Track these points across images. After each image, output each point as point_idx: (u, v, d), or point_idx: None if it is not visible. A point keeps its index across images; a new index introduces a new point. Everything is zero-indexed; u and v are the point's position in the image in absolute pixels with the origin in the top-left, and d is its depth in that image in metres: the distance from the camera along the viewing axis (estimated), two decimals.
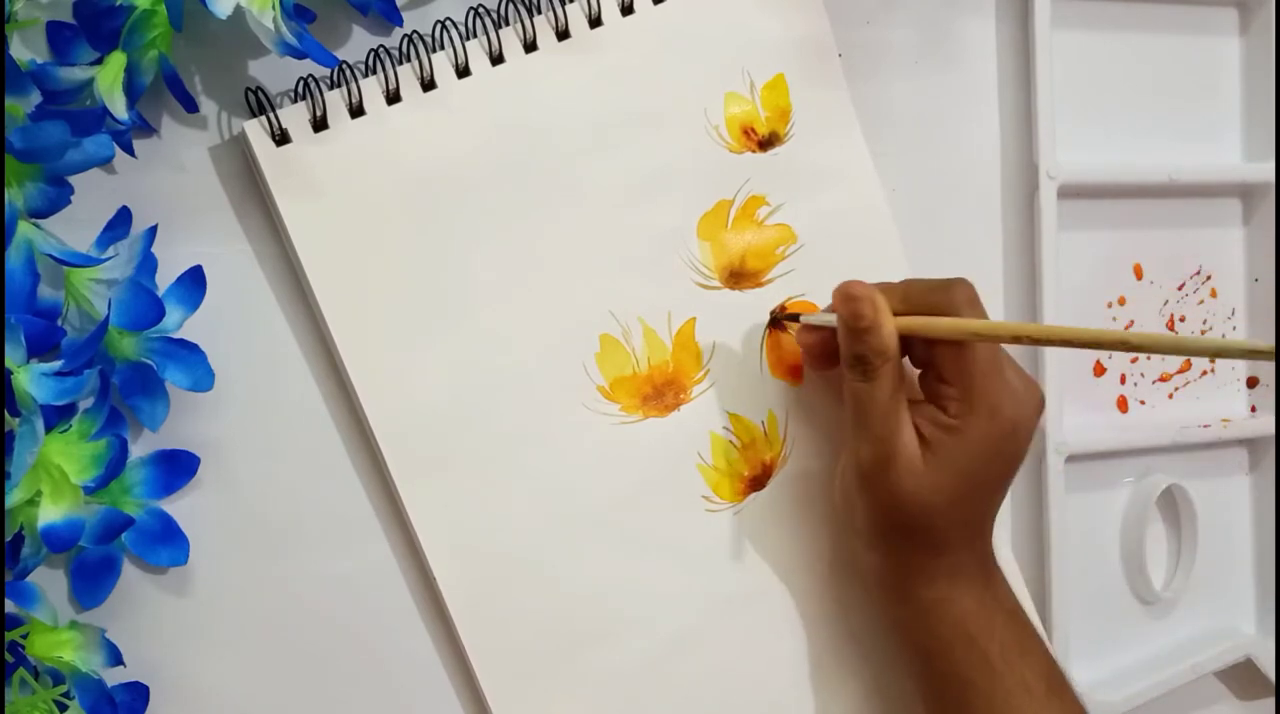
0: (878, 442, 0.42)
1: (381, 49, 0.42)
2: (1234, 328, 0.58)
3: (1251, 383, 0.58)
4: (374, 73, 0.43)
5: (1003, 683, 0.42)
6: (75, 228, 0.40)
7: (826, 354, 0.45)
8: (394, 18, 0.44)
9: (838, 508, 0.46)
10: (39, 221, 0.38)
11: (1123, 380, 0.56)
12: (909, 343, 0.43)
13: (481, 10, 0.44)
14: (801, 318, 0.46)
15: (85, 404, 0.38)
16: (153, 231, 0.40)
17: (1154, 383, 0.57)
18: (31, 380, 0.36)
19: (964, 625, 0.43)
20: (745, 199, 0.48)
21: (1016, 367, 0.43)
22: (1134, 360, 0.56)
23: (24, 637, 0.38)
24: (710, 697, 0.47)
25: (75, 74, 0.38)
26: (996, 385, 0.42)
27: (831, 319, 0.44)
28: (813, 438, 0.49)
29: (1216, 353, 0.37)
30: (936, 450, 0.42)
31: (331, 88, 0.42)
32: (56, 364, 0.37)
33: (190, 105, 0.42)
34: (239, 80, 0.42)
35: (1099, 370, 0.55)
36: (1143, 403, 0.56)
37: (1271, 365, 0.58)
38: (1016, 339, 0.41)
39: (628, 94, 0.46)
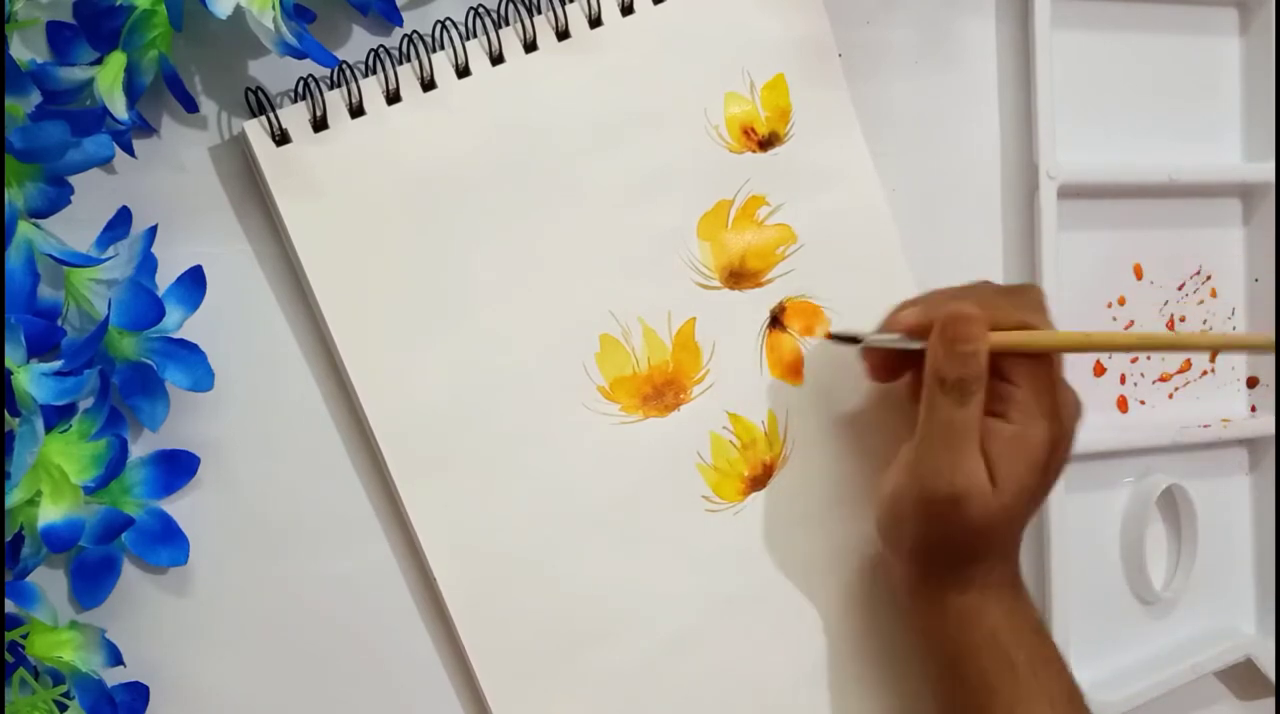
0: (957, 469, 0.41)
1: (381, 49, 0.42)
2: (1234, 328, 0.58)
3: (1251, 383, 0.58)
4: (374, 73, 0.43)
5: (1027, 692, 0.42)
6: (75, 228, 0.40)
7: (891, 368, 0.45)
8: (394, 18, 0.44)
9: (879, 521, 0.45)
10: (39, 221, 0.38)
11: (1123, 380, 0.56)
12: None
13: (481, 10, 0.44)
14: (866, 340, 0.45)
15: (85, 404, 0.38)
16: (153, 231, 0.40)
17: (1154, 383, 0.57)
18: (31, 380, 0.36)
19: (995, 634, 0.43)
20: (745, 199, 0.48)
21: (1064, 375, 0.44)
22: (1134, 360, 0.56)
23: (24, 637, 0.38)
24: (710, 697, 0.47)
25: (75, 74, 0.38)
26: (1061, 391, 0.43)
27: (893, 340, 0.44)
28: (813, 438, 0.49)
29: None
30: (999, 468, 0.41)
31: (331, 88, 0.42)
32: (56, 364, 0.37)
33: (190, 105, 0.42)
34: (239, 80, 0.42)
35: (1099, 370, 0.55)
36: (1143, 403, 0.56)
37: (1272, 365, 0.58)
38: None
39: (628, 94, 0.46)
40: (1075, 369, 0.55)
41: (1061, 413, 0.43)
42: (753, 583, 0.47)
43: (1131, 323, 0.56)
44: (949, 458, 0.41)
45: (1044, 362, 0.42)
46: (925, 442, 0.42)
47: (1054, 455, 0.43)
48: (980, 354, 0.41)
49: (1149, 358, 0.56)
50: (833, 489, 0.49)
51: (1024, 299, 0.44)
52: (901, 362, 0.45)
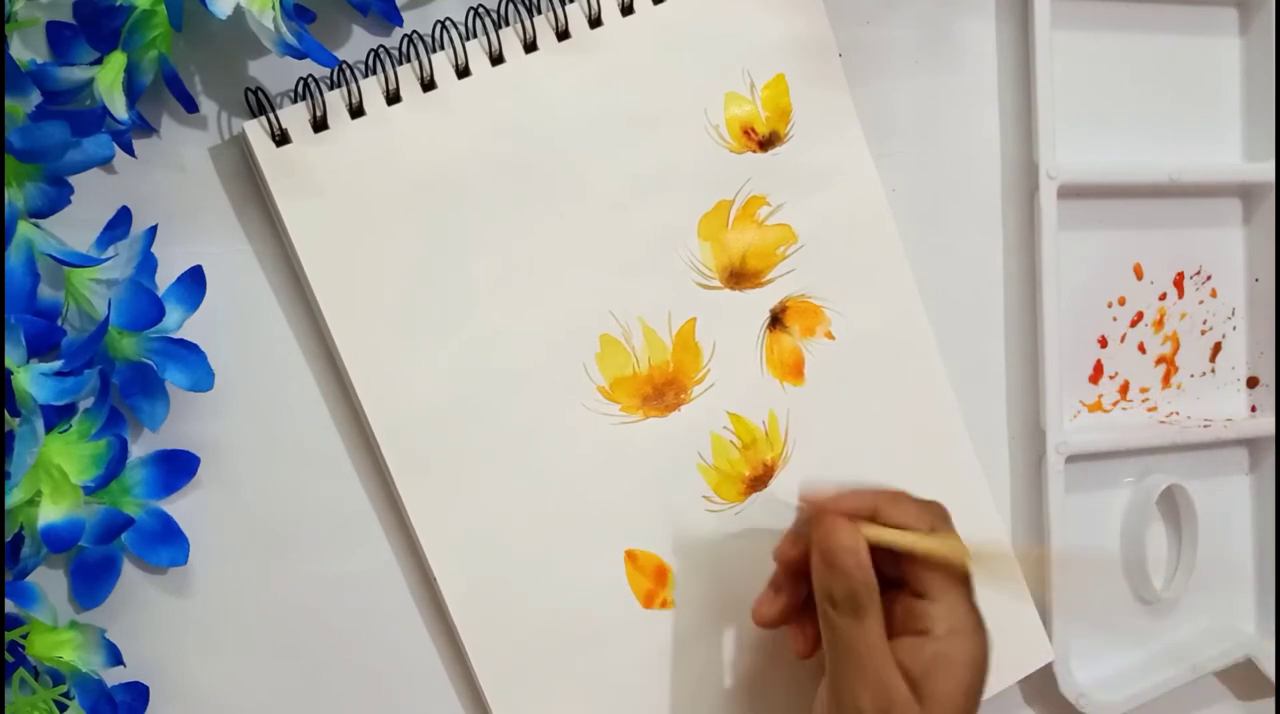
0: (875, 688, 0.38)
1: (381, 49, 0.42)
2: (1234, 328, 0.58)
3: (1251, 383, 0.59)
4: (374, 73, 0.43)
5: None
6: (75, 228, 0.40)
7: (813, 639, 0.42)
8: (394, 18, 0.44)
9: None
10: (39, 221, 0.38)
11: (1124, 383, 0.56)
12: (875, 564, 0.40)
13: (481, 10, 0.44)
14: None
15: (85, 404, 0.38)
16: (153, 231, 0.40)
17: (1154, 383, 0.57)
18: (31, 380, 0.36)
19: None
20: (746, 199, 0.48)
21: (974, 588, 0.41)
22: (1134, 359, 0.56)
23: (24, 637, 0.38)
24: (710, 696, 0.47)
25: (75, 74, 0.38)
26: (976, 604, 0.40)
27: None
28: (814, 438, 0.49)
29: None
30: (923, 687, 0.38)
31: (331, 88, 0.42)
32: (56, 364, 0.37)
33: (190, 105, 0.42)
34: (239, 80, 0.42)
35: (1099, 369, 0.55)
36: (1143, 403, 0.56)
37: (1272, 365, 0.58)
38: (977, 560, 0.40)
39: (628, 94, 0.46)
40: (1076, 369, 0.55)
41: (980, 628, 0.40)
42: (753, 584, 0.47)
43: (1137, 319, 0.56)
44: (862, 677, 0.39)
45: (955, 573, 0.40)
46: (834, 668, 0.40)
47: (983, 661, 0.40)
48: (860, 565, 0.39)
49: (1147, 356, 0.56)
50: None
51: (921, 506, 0.41)
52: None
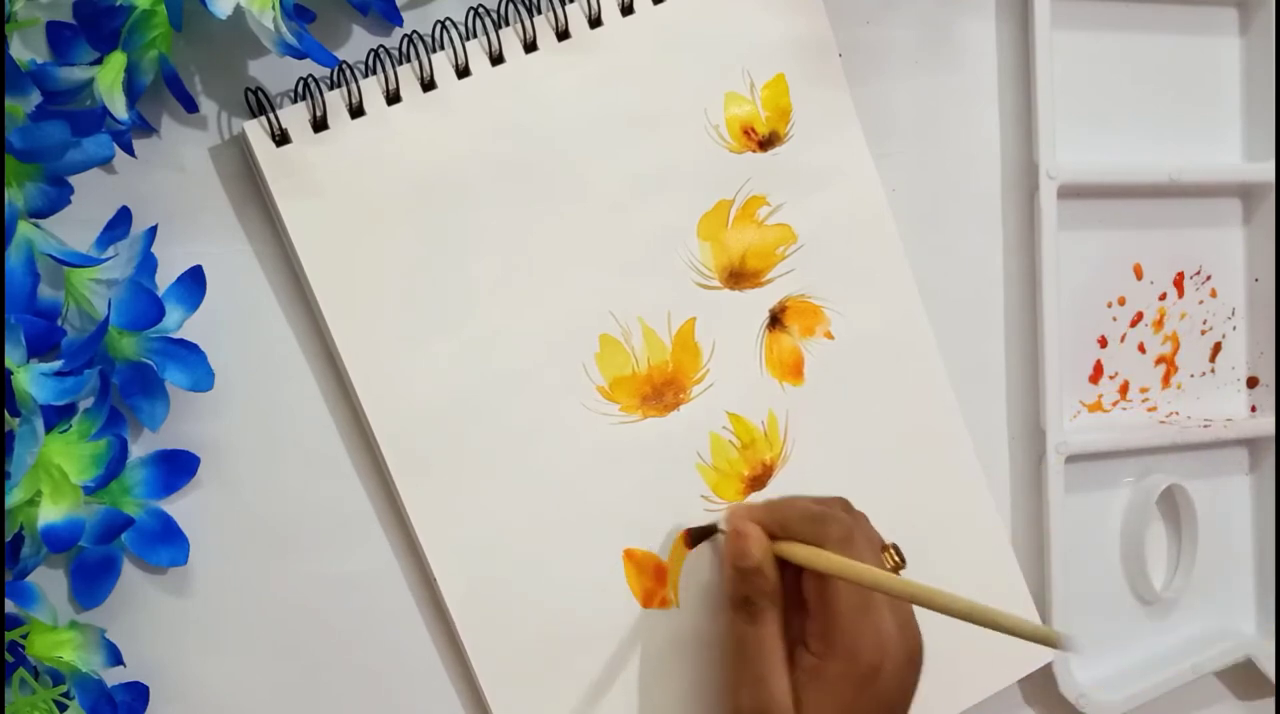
0: (757, 686, 0.41)
1: (381, 49, 0.42)
2: (1234, 328, 0.58)
3: (1251, 383, 0.59)
4: (374, 73, 0.43)
5: None
6: (75, 228, 0.40)
7: None
8: (394, 18, 0.44)
9: None
10: (39, 221, 0.38)
11: (1124, 383, 0.56)
12: (782, 572, 0.42)
13: (481, 10, 0.44)
14: (720, 528, 0.45)
15: (85, 404, 0.38)
16: (153, 232, 0.40)
17: (1154, 383, 0.57)
18: (31, 380, 0.36)
19: None
20: (745, 199, 0.48)
21: (899, 611, 0.42)
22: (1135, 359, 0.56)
23: (24, 637, 0.38)
24: (711, 696, 0.47)
25: (75, 74, 0.38)
26: (859, 626, 0.41)
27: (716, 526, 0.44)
28: (813, 438, 0.49)
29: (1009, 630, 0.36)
30: (802, 697, 0.41)
31: (331, 88, 0.42)
32: (56, 364, 0.37)
33: (190, 105, 0.42)
34: (239, 80, 0.42)
35: (1099, 370, 0.55)
36: (1143, 403, 0.56)
37: (1272, 365, 0.58)
38: (878, 587, 0.40)
39: (628, 94, 0.46)
40: (1076, 369, 0.55)
41: (864, 647, 0.40)
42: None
43: (1137, 319, 0.56)
44: (747, 675, 0.41)
45: (835, 594, 0.41)
46: (728, 660, 0.43)
47: (864, 689, 0.40)
48: (762, 570, 0.42)
49: (1147, 356, 0.56)
50: (833, 489, 0.48)
51: (824, 525, 0.42)
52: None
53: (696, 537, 0.46)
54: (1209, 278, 0.58)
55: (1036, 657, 0.52)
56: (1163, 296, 0.57)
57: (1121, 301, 0.56)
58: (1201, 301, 0.58)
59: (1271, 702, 0.57)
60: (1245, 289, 0.58)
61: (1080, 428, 0.55)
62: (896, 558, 0.44)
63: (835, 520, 0.43)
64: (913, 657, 0.42)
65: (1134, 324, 0.56)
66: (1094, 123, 0.55)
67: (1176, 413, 0.57)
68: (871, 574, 0.40)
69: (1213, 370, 0.58)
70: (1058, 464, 0.52)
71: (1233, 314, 0.58)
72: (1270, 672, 0.56)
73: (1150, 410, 0.57)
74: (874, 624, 0.41)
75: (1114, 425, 0.56)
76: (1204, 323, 0.58)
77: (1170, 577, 0.57)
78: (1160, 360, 0.57)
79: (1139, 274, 0.56)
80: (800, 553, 0.42)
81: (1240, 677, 0.57)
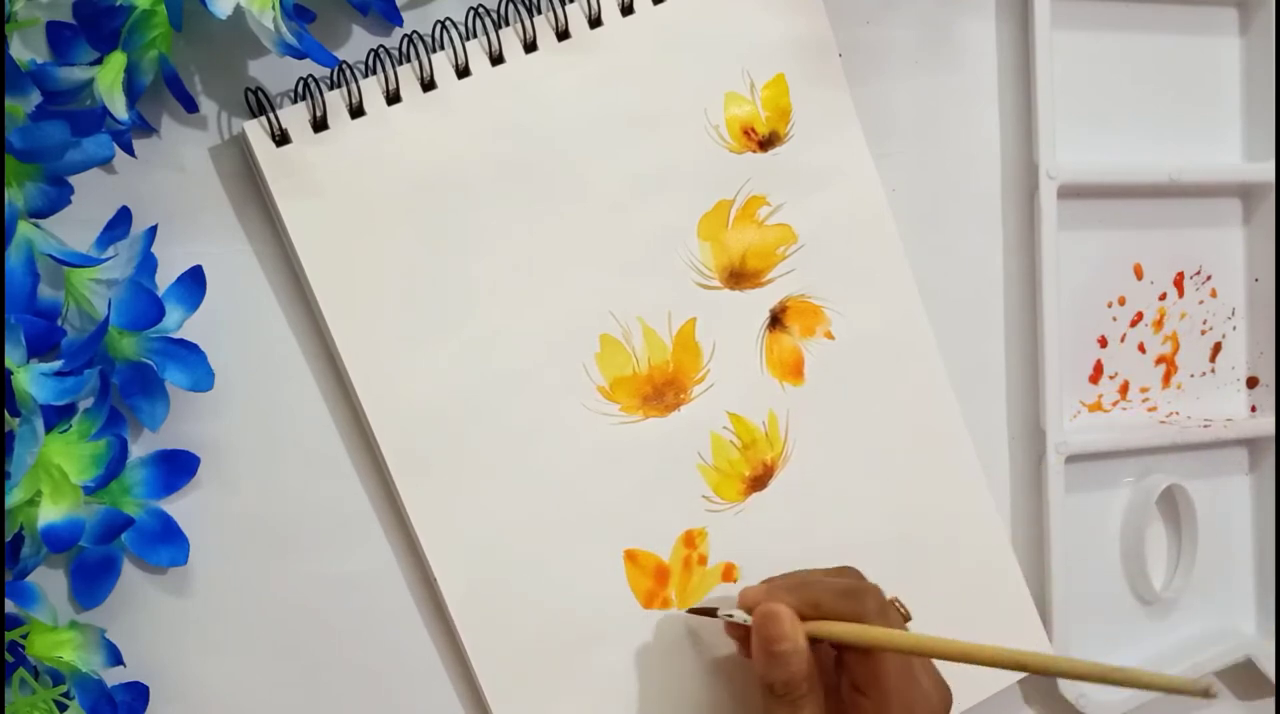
0: None
1: (381, 49, 0.42)
2: (1234, 328, 0.58)
3: (1251, 383, 0.58)
4: (374, 73, 0.43)
5: None
6: (75, 228, 0.40)
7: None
8: (394, 18, 0.44)
9: None
10: (39, 221, 0.38)
11: (1124, 383, 0.56)
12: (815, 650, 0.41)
13: (481, 10, 0.44)
14: (719, 613, 0.44)
15: (85, 404, 0.38)
16: (153, 231, 0.40)
17: (1155, 383, 0.57)
18: (31, 380, 0.36)
19: None
20: (746, 199, 0.48)
21: (929, 669, 0.42)
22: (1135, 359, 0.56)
23: (24, 637, 0.38)
24: (711, 696, 0.47)
25: (75, 74, 0.38)
26: (910, 696, 0.41)
27: (741, 616, 0.43)
28: (814, 438, 0.49)
29: (1146, 686, 0.35)
30: None
31: (331, 88, 0.42)
32: (56, 364, 0.37)
33: (190, 105, 0.42)
34: (239, 80, 0.42)
35: (1099, 370, 0.55)
36: (1143, 403, 0.56)
37: (1272, 365, 0.58)
38: (929, 653, 0.40)
39: (628, 94, 0.46)
40: (1076, 369, 0.55)
41: (918, 711, 0.41)
42: (753, 583, 0.47)
43: (1137, 319, 0.56)
44: None
45: (886, 666, 0.41)
46: None
47: None
48: (797, 652, 0.40)
49: (1147, 355, 0.56)
50: (834, 489, 0.49)
51: (860, 600, 0.41)
52: None
53: (697, 612, 0.46)
54: (1209, 278, 0.58)
55: None
56: (1163, 296, 0.57)
57: (1121, 301, 0.56)
58: (1201, 302, 0.58)
59: (1271, 702, 0.57)
60: (1245, 289, 0.58)
61: (1080, 428, 0.55)
62: (904, 610, 0.44)
63: (869, 592, 0.42)
64: (948, 709, 0.43)
65: (1134, 324, 0.56)
66: (1094, 123, 0.55)
67: (1176, 413, 0.57)
68: (937, 644, 0.39)
69: (1213, 370, 0.58)
70: (1058, 464, 0.52)
71: (1233, 314, 0.58)
72: (1270, 672, 0.56)
73: (1150, 410, 0.57)
74: (921, 691, 0.41)
75: (1114, 425, 0.55)
76: (1204, 323, 0.58)
77: (1170, 577, 0.57)
78: (1160, 360, 0.57)
79: (1139, 274, 0.56)
80: (844, 631, 0.41)
81: (1240, 677, 0.57)
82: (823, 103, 0.49)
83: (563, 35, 0.45)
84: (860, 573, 0.45)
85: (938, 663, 0.44)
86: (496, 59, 0.44)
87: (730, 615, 0.44)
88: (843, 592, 0.42)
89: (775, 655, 0.41)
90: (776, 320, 0.48)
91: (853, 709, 0.42)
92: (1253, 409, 0.59)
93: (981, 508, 0.52)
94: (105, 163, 0.37)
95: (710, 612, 0.45)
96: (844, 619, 0.41)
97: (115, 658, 0.40)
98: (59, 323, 0.40)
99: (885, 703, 0.41)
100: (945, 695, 0.43)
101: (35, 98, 0.37)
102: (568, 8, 0.45)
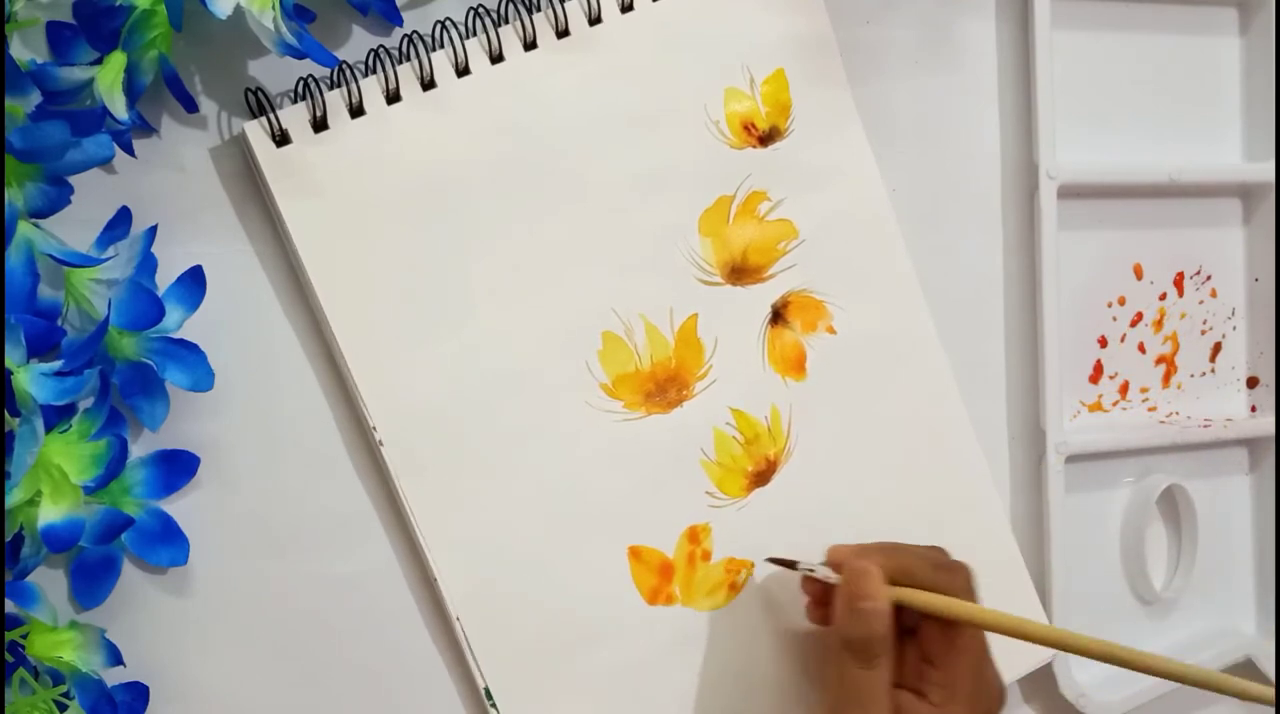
0: None
1: (381, 49, 0.42)
2: (1234, 328, 0.58)
3: (1251, 383, 0.59)
4: (374, 73, 0.43)
5: None
6: (75, 228, 0.40)
7: (828, 606, 0.44)
8: (394, 17, 0.44)
9: None
10: (39, 221, 0.38)
11: (1124, 383, 0.56)
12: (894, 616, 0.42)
13: (481, 9, 0.44)
14: (799, 566, 0.45)
15: (85, 404, 0.38)
16: (153, 231, 0.40)
17: (1155, 383, 0.57)
18: (31, 380, 0.36)
19: None
20: (746, 195, 0.48)
21: (992, 660, 0.43)
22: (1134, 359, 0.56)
23: (24, 637, 0.38)
24: (712, 695, 0.47)
25: (75, 74, 0.38)
26: (983, 675, 0.42)
27: (823, 571, 0.43)
28: (816, 433, 0.49)
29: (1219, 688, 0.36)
30: None
31: (331, 88, 0.42)
32: (56, 364, 0.37)
33: (190, 105, 0.42)
34: (239, 80, 0.42)
35: (1099, 369, 0.55)
36: (1143, 403, 0.56)
37: (1272, 366, 0.58)
38: (1017, 633, 0.40)
39: (628, 91, 0.46)
40: (1076, 369, 0.55)
41: (982, 697, 0.42)
42: (756, 579, 0.47)
43: (1137, 319, 0.56)
44: None
45: (964, 642, 0.41)
46: (836, 704, 0.42)
47: None
48: (880, 613, 0.41)
49: (1147, 355, 0.56)
50: (837, 483, 0.49)
51: (953, 575, 0.42)
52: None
53: (776, 562, 0.46)
54: (1209, 278, 0.58)
55: (1036, 656, 0.52)
56: (1163, 296, 0.57)
57: (1121, 301, 0.56)
58: (1201, 302, 0.58)
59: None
60: (1245, 289, 0.58)
61: (1080, 428, 0.55)
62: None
63: (962, 569, 0.42)
64: (1004, 701, 0.43)
65: (1134, 324, 0.56)
66: (1094, 123, 0.55)
67: (1176, 413, 0.57)
68: (1025, 625, 0.40)
69: (1213, 370, 0.58)
70: (1058, 464, 0.52)
71: (1233, 314, 0.58)
72: (1270, 672, 0.56)
73: (1150, 410, 0.57)
74: (993, 672, 0.42)
75: (1114, 425, 0.56)
76: (1204, 323, 0.58)
77: (1170, 577, 0.57)
78: (1160, 360, 0.57)
79: (1139, 274, 0.56)
80: (932, 601, 0.41)
81: (1240, 677, 0.57)
82: (823, 98, 0.49)
83: (562, 33, 0.45)
84: (948, 552, 0.45)
85: None
86: (496, 58, 0.44)
87: (811, 570, 0.44)
88: (936, 564, 0.43)
89: (860, 612, 0.41)
90: (778, 315, 0.48)
91: (916, 678, 0.42)
92: (1253, 409, 0.59)
93: (986, 501, 0.52)
94: (105, 163, 0.37)
95: (791, 564, 0.45)
96: (933, 590, 0.42)
97: (115, 658, 0.40)
98: (59, 323, 0.39)
99: (955, 678, 0.41)
100: (1003, 693, 0.43)
101: (35, 98, 0.37)
102: (567, 6, 0.45)
